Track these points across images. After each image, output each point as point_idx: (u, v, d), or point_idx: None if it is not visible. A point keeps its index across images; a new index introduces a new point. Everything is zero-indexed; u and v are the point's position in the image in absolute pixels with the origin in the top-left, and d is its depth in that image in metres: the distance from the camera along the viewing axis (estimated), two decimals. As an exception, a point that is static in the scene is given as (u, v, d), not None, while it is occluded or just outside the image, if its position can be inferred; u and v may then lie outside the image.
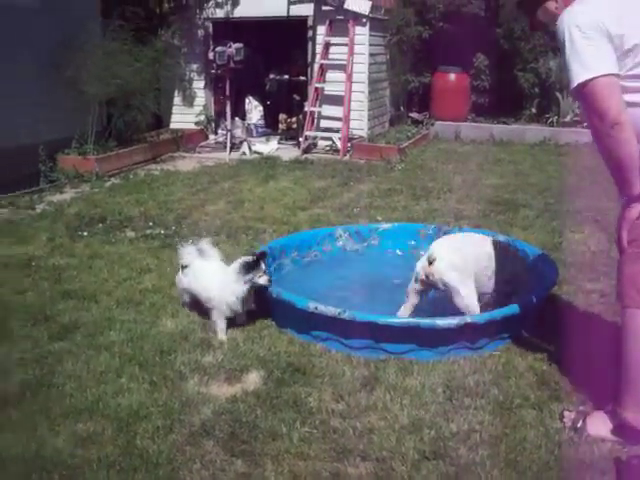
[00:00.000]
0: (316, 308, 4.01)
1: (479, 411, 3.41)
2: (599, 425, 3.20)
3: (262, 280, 4.25)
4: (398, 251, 5.76)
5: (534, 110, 12.94)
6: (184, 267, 4.55)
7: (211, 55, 10.53)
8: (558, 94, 12.47)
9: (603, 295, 4.79)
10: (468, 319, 3.93)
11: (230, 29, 11.15)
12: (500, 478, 2.90)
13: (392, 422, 3.31)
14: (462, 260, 4.33)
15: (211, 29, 11.66)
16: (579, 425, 3.23)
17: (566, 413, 3.34)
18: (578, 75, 2.90)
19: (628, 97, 2.91)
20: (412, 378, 3.71)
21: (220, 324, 4.28)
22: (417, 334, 3.90)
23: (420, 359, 3.88)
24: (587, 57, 2.90)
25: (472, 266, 4.36)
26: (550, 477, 2.92)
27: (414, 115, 13.10)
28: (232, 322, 4.36)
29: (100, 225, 6.63)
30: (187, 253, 4.56)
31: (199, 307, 4.50)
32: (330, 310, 3.97)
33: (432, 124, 12.64)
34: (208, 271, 4.45)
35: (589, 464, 2.99)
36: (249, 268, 4.24)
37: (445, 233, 5.63)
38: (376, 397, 3.52)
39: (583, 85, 2.89)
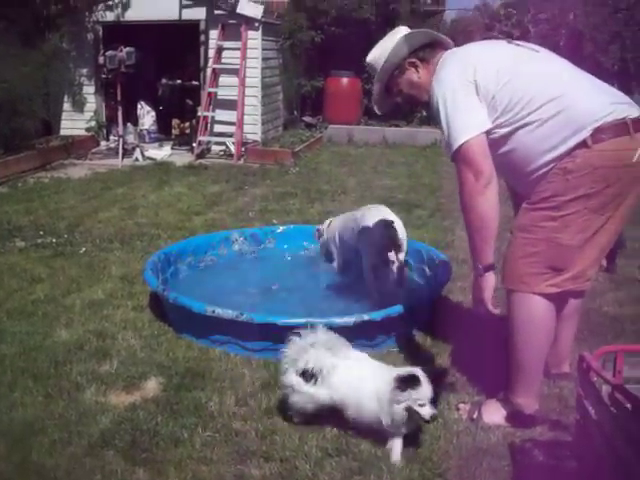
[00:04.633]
0: (214, 312, 3.99)
1: (379, 407, 3.46)
2: (493, 413, 3.32)
3: (424, 411, 3.01)
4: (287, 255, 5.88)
5: (425, 113, 13.23)
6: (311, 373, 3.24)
7: (101, 59, 10.28)
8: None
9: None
10: (365, 317, 3.99)
11: (121, 33, 10.90)
12: (402, 469, 2.96)
13: (294, 422, 3.32)
14: None
15: (101, 33, 11.38)
16: (475, 415, 3.33)
17: (461, 405, 3.44)
18: (456, 139, 3.02)
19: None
20: (312, 377, 3.74)
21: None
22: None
23: (320, 358, 3.91)
24: (461, 119, 3.05)
25: None
26: (450, 466, 2.99)
27: (307, 119, 13.20)
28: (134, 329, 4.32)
29: (-13, 236, 6.39)
30: (315, 353, 3.26)
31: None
32: (228, 313, 3.96)
33: (325, 128, 12.76)
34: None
35: (486, 451, 3.09)
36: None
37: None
38: (277, 398, 3.52)
39: (460, 147, 3.01)
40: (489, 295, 3.12)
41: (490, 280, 3.11)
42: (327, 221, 5.71)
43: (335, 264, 5.49)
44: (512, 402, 3.28)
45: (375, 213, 5.00)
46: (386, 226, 4.79)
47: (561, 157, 2.99)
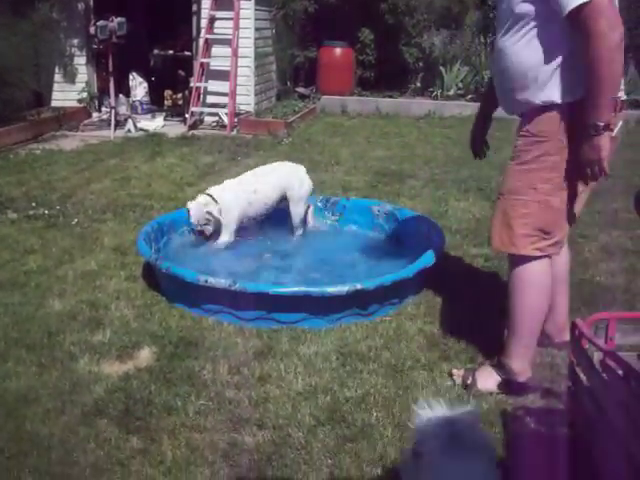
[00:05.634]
0: (206, 281, 3.99)
1: (372, 375, 3.49)
2: (486, 379, 3.34)
3: None
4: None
5: (419, 84, 13.20)
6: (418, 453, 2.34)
7: (92, 30, 10.15)
8: (442, 68, 12.77)
9: (487, 259, 4.97)
10: (358, 286, 3.99)
11: (112, 2, 10.77)
12: (394, 437, 2.98)
13: (287, 390, 3.35)
14: None
15: (92, 2, 11.20)
16: (469, 382, 3.35)
17: (454, 371, 3.46)
18: None
19: None
20: (305, 346, 3.76)
21: None
22: (308, 303, 3.95)
23: (312, 327, 3.94)
24: None
25: None
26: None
27: (301, 90, 13.13)
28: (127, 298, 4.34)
29: (-21, 207, 6.36)
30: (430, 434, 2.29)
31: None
32: (221, 282, 3.96)
33: (319, 98, 12.69)
34: None
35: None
36: None
37: (333, 204, 5.72)
38: (270, 367, 3.54)
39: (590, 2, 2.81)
40: (606, 154, 2.94)
41: (608, 139, 2.93)
42: (202, 197, 5.30)
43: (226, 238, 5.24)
44: (506, 367, 3.31)
45: (296, 167, 5.63)
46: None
47: (560, 106, 2.98)
